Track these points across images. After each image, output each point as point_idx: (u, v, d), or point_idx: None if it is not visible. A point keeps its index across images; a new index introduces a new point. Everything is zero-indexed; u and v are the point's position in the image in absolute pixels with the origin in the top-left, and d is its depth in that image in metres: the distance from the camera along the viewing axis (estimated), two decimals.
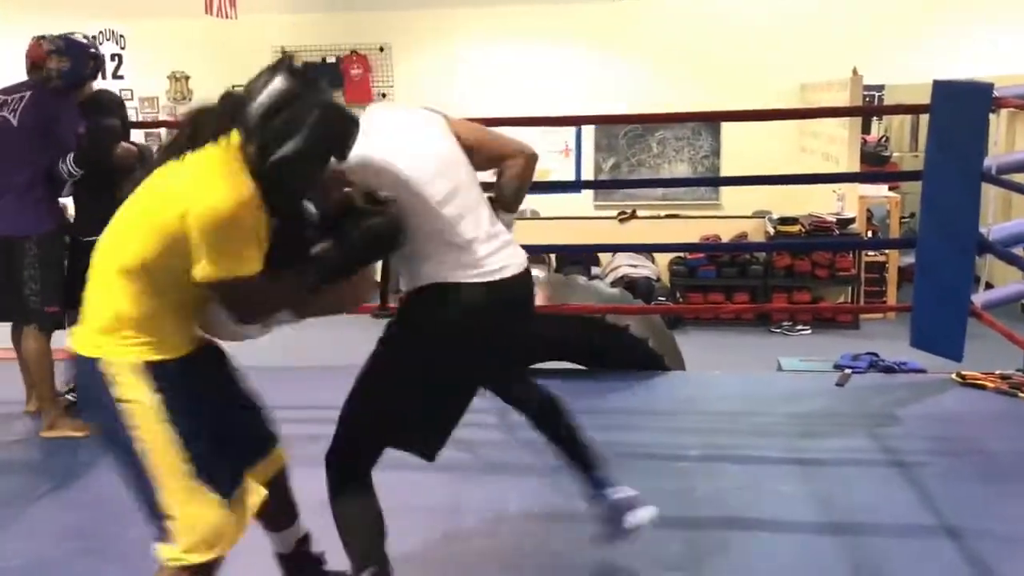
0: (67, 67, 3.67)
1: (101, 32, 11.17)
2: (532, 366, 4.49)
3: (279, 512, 2.22)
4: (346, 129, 1.92)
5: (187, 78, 11.20)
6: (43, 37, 3.73)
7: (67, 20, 10.69)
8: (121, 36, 11.22)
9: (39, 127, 3.63)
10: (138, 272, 1.84)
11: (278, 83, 1.84)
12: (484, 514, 2.99)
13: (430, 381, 2.18)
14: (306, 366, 4.55)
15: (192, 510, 1.86)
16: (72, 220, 3.93)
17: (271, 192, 1.85)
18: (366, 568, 2.17)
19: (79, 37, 3.84)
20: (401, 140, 2.21)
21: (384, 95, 10.71)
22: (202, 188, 1.80)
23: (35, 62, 3.70)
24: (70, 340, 1.99)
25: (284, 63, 1.89)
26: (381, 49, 10.77)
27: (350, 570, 2.21)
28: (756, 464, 3.43)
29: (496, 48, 10.53)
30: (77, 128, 3.66)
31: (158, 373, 1.86)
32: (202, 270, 1.80)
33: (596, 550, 2.64)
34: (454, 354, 2.19)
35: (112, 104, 3.95)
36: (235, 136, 1.86)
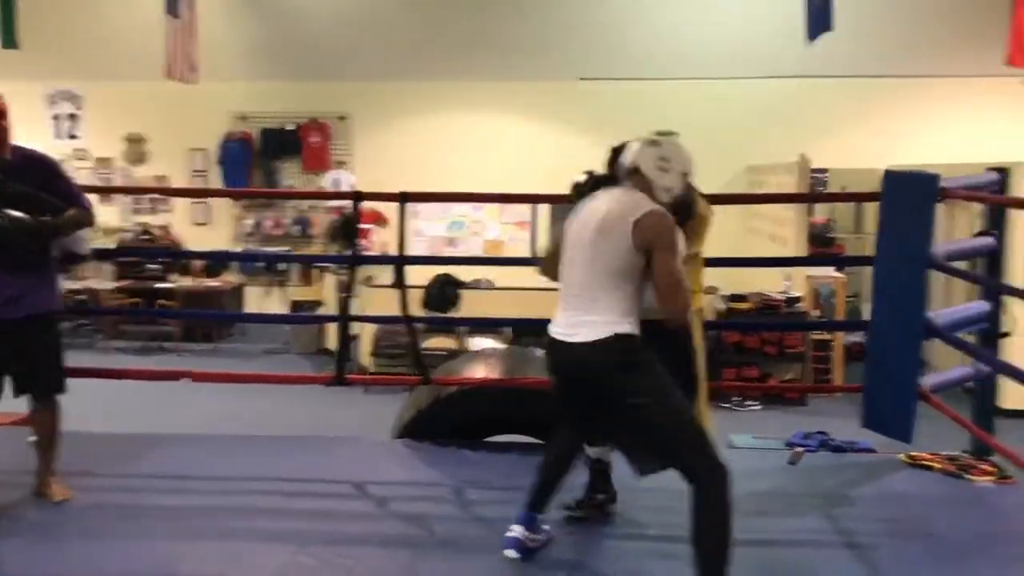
0: None
1: (58, 92, 11.12)
2: (486, 439, 4.49)
3: None
4: None
5: (143, 140, 11.16)
6: None
7: (22, 80, 10.65)
8: (78, 96, 11.17)
9: None
10: None
11: None
12: None
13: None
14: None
15: None
16: None
17: None
18: None
19: None
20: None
21: (343, 163, 10.78)
22: None
23: None
24: None
25: None
26: (342, 118, 10.87)
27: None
28: None
29: (458, 122, 10.69)
30: None
31: None
32: None
33: None
34: None
35: None
36: None
